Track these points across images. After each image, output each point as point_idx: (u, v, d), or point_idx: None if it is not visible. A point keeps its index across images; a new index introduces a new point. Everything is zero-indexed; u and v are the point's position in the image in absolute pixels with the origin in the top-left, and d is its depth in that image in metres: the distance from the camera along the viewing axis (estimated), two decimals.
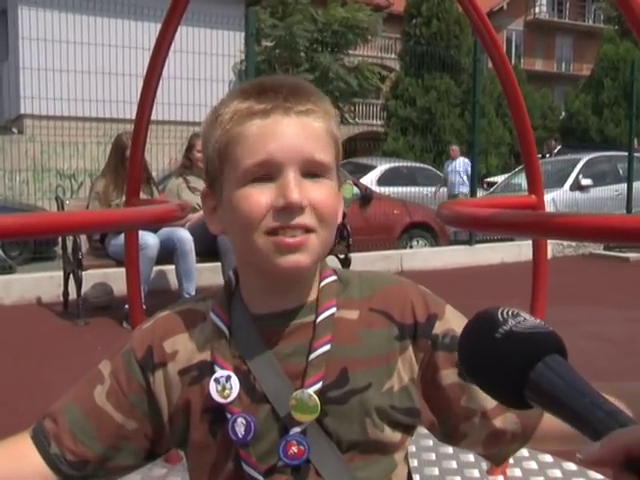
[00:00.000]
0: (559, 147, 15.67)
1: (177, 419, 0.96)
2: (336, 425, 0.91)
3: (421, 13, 20.43)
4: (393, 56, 25.59)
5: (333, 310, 0.95)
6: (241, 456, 0.91)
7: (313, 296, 0.96)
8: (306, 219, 0.88)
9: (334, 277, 0.99)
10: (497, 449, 0.98)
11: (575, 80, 28.99)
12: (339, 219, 0.96)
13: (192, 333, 0.97)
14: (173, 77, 8.89)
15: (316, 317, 0.94)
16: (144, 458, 1.00)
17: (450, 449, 2.54)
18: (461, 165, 12.44)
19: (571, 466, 2.46)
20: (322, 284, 0.97)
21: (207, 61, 9.05)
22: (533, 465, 2.48)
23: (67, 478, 0.96)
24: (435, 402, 0.96)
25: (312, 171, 0.90)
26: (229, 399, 0.91)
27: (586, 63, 31.81)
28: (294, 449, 0.89)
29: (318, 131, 0.91)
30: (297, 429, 0.90)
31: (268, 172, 0.89)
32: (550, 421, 0.93)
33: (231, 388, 0.91)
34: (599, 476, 2.39)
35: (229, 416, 0.91)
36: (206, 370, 0.94)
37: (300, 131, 0.89)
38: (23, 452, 0.97)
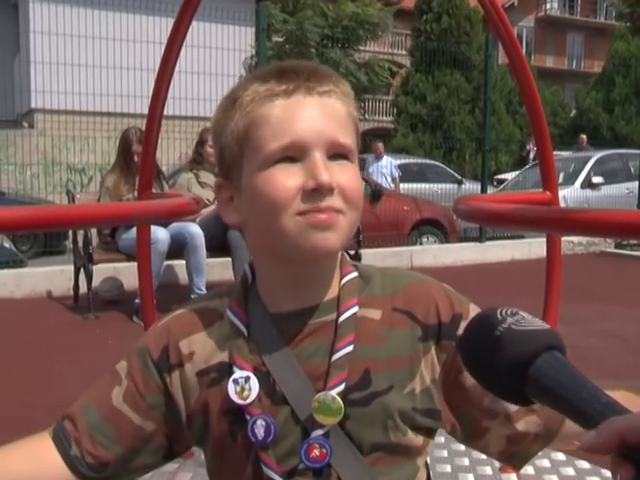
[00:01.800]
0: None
1: (195, 420, 0.94)
2: (358, 428, 0.89)
3: (432, 9, 20.36)
4: (403, 52, 25.50)
5: (355, 309, 0.92)
6: (261, 458, 0.89)
7: (333, 293, 0.94)
8: (335, 201, 0.86)
9: (355, 274, 0.96)
10: (519, 448, 0.96)
11: (586, 77, 28.84)
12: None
13: (209, 332, 0.95)
14: (184, 72, 8.87)
15: (338, 316, 0.92)
16: (163, 457, 1.00)
17: (462, 446, 2.52)
18: (387, 165, 11.59)
19: (584, 464, 2.45)
20: (343, 281, 0.94)
21: (217, 56, 9.03)
22: (546, 463, 2.46)
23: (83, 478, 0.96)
24: (457, 403, 0.94)
25: (337, 153, 0.88)
26: (248, 400, 0.89)
27: (597, 60, 31.65)
28: (316, 452, 0.87)
29: (340, 113, 0.89)
30: (319, 432, 0.88)
31: (294, 154, 0.86)
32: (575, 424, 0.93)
33: (250, 389, 0.89)
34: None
35: (248, 418, 0.89)
36: (225, 371, 0.92)
37: (323, 112, 0.88)
38: (44, 453, 0.96)
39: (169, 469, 2.43)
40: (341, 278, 0.95)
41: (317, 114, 0.87)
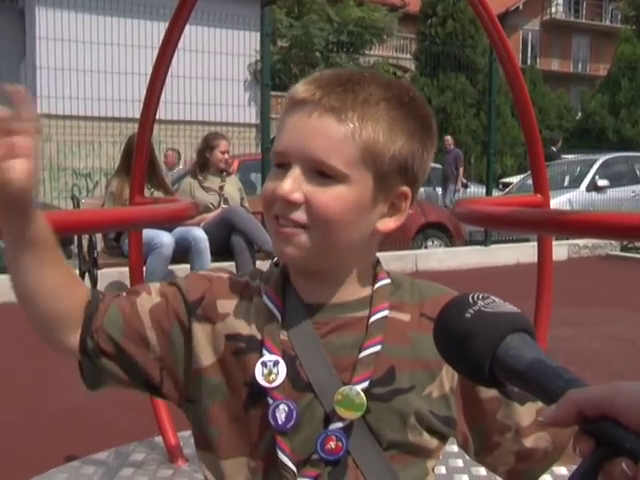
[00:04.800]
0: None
1: (209, 377, 0.94)
2: (378, 422, 0.90)
3: (436, 13, 20.35)
4: (408, 56, 25.52)
5: (386, 312, 0.94)
6: (277, 443, 0.90)
7: (366, 292, 0.96)
8: (296, 215, 0.89)
9: (388, 280, 0.99)
10: (526, 466, 0.98)
11: (592, 80, 28.81)
12: (359, 229, 0.92)
13: (247, 304, 0.97)
14: (188, 76, 8.92)
15: (369, 315, 0.94)
16: (147, 385, 1.00)
17: (456, 447, 2.51)
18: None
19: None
20: (377, 285, 0.97)
21: (223, 61, 9.07)
22: None
23: (83, 351, 0.97)
24: (471, 414, 0.96)
25: (322, 172, 0.88)
26: (274, 384, 0.90)
27: (603, 63, 31.61)
28: (332, 444, 0.88)
29: (339, 135, 0.88)
30: (339, 424, 0.89)
31: (281, 162, 0.91)
32: None
33: (277, 373, 0.90)
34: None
35: (271, 401, 0.90)
36: (254, 347, 0.93)
37: (316, 130, 0.88)
38: (78, 295, 0.98)
39: (164, 475, 2.44)
40: (375, 282, 0.97)
41: (310, 131, 0.89)
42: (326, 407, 0.90)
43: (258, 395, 0.91)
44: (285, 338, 0.93)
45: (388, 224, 0.95)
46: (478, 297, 0.70)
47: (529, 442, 0.95)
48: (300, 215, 0.89)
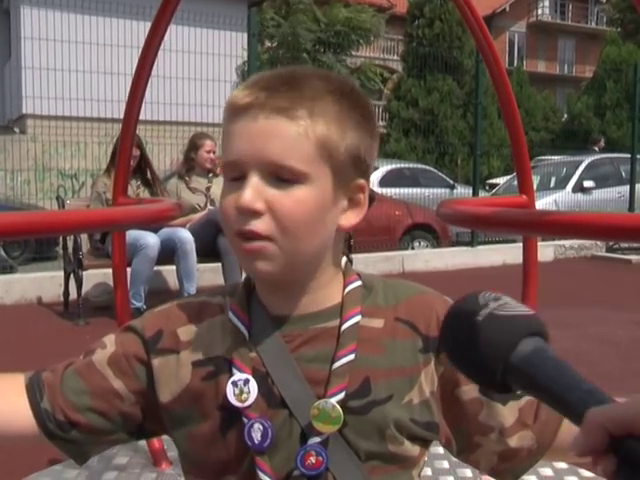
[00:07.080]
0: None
1: (181, 407, 0.93)
2: (356, 436, 0.88)
3: (424, 14, 20.38)
4: (396, 57, 25.58)
5: (358, 318, 0.92)
6: (257, 463, 0.88)
7: (336, 300, 0.94)
8: (259, 225, 0.84)
9: (359, 282, 0.96)
10: (510, 465, 0.96)
11: (577, 82, 28.96)
12: (330, 227, 0.90)
13: (209, 325, 0.95)
14: (175, 77, 8.89)
15: (340, 323, 0.91)
16: (131, 433, 0.98)
17: (441, 449, 2.51)
18: None
19: (561, 465, 2.44)
20: (347, 289, 0.94)
21: (210, 61, 9.03)
22: (549, 472, 2.45)
23: (51, 437, 0.94)
24: (452, 416, 0.94)
25: (280, 176, 0.85)
26: (246, 403, 0.88)
27: (588, 65, 31.79)
28: (312, 459, 0.87)
29: (292, 134, 0.84)
30: (317, 439, 0.87)
31: (235, 173, 0.87)
32: (567, 435, 0.92)
33: (249, 392, 0.88)
34: (590, 474, 2.39)
35: (245, 421, 0.88)
36: (223, 368, 0.91)
37: (271, 132, 0.84)
38: (13, 400, 0.95)
39: (148, 478, 2.43)
40: (345, 286, 0.95)
41: (262, 134, 0.85)
42: (302, 423, 0.88)
43: (233, 416, 0.89)
44: (254, 355, 0.91)
45: (350, 219, 0.92)
46: (489, 298, 0.66)
47: (513, 442, 0.94)
48: (264, 226, 0.84)
